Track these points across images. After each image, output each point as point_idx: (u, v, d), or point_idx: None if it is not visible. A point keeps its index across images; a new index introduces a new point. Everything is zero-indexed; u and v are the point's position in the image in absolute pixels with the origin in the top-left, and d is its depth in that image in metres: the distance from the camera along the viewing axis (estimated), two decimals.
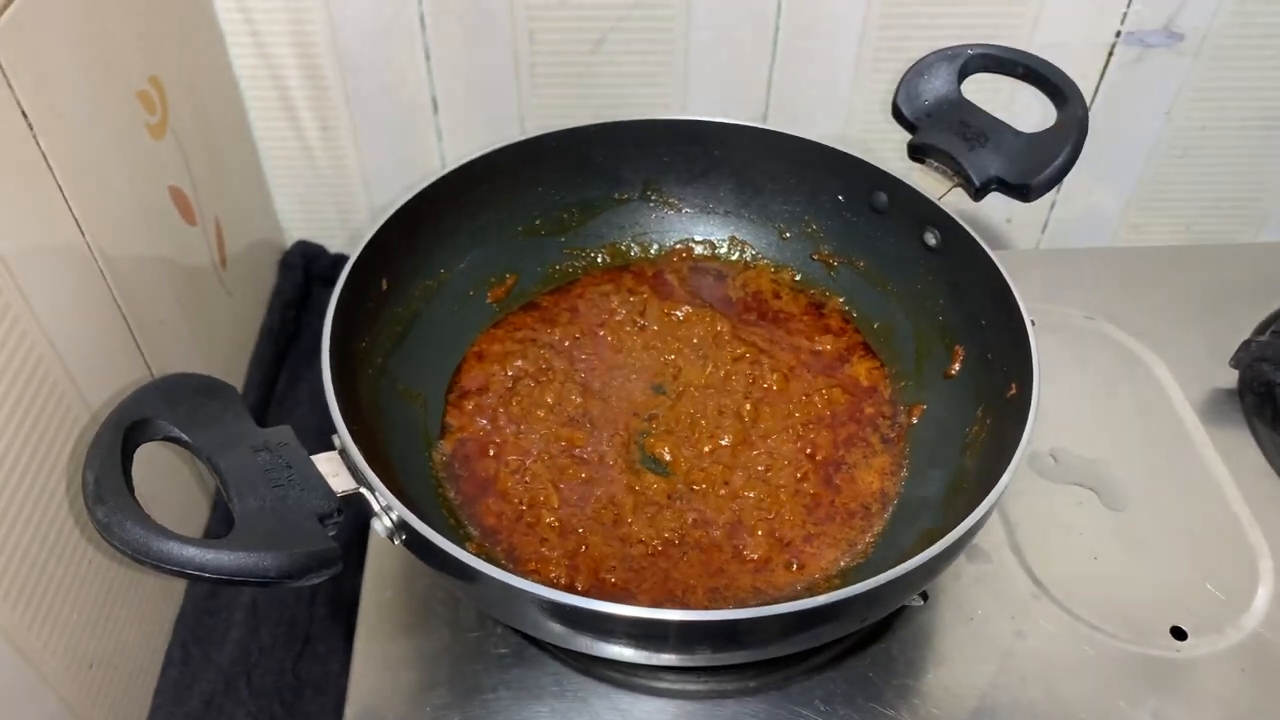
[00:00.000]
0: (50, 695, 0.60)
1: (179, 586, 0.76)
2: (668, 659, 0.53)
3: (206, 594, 0.77)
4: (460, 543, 0.50)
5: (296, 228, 1.01)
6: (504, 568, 0.53)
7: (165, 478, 0.72)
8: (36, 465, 0.58)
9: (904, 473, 0.65)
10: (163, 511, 0.71)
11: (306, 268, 1.00)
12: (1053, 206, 1.01)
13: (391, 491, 0.49)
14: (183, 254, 0.77)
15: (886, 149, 0.88)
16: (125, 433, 0.45)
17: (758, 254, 0.78)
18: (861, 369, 0.71)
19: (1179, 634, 0.61)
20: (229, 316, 0.88)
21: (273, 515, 0.45)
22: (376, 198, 0.98)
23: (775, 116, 0.93)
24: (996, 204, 1.00)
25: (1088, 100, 0.91)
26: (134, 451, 0.46)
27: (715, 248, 0.78)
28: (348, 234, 1.01)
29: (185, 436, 0.47)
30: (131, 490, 0.43)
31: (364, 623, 0.62)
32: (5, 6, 0.55)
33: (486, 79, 0.89)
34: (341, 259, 0.92)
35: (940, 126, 0.66)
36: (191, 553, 0.41)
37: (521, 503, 0.63)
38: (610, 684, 0.59)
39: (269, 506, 0.45)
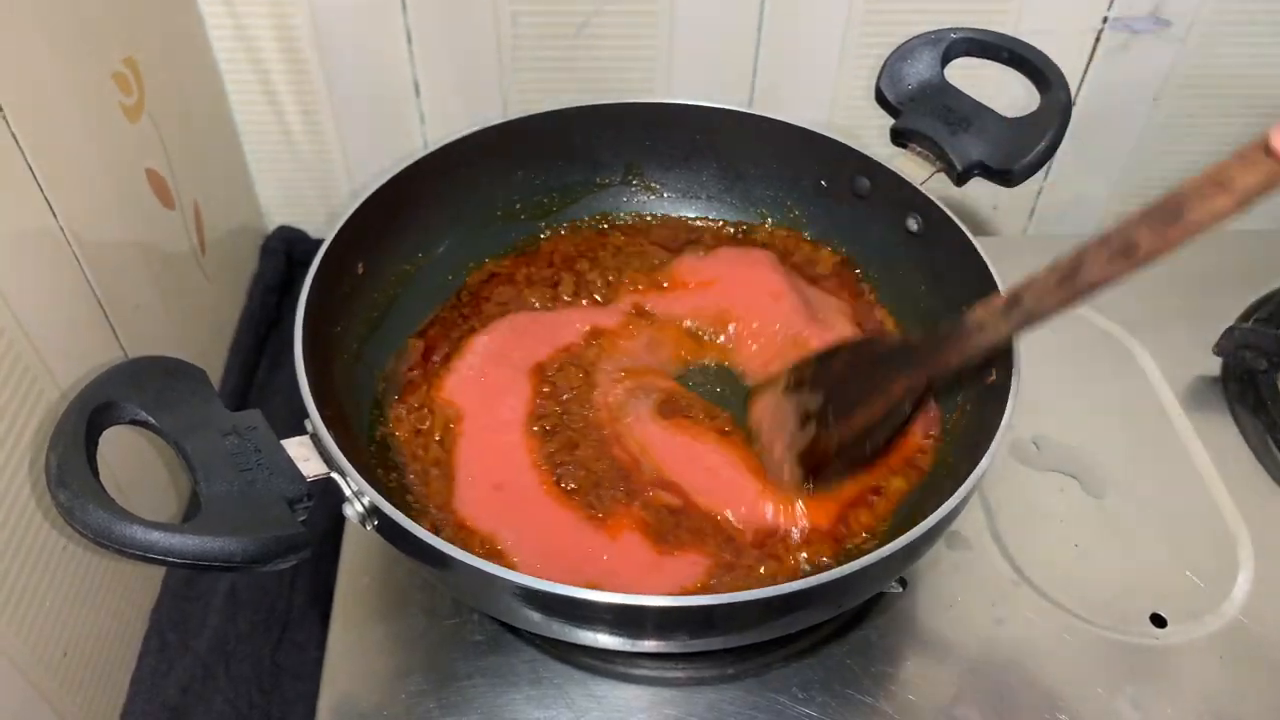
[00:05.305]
0: (22, 682, 0.59)
1: (156, 573, 0.76)
2: (644, 645, 0.53)
3: (184, 580, 0.76)
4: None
5: (278, 212, 1.00)
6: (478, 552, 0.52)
7: (140, 465, 0.72)
8: (7, 450, 0.57)
9: None
10: (139, 500, 0.71)
11: (288, 253, 0.99)
12: (1039, 193, 1.00)
13: (364, 476, 0.49)
14: (160, 238, 0.77)
15: (872, 134, 0.88)
16: (90, 416, 0.44)
17: None
18: None
19: (1159, 621, 0.61)
20: (209, 302, 0.87)
21: (240, 499, 0.44)
22: (359, 182, 0.97)
23: (761, 101, 0.92)
24: (983, 191, 0.99)
25: (1075, 87, 0.90)
26: (99, 435, 0.45)
27: None
28: (330, 219, 1.00)
29: (152, 420, 0.46)
30: (96, 474, 0.43)
31: (340, 609, 0.61)
32: None
33: (469, 62, 0.88)
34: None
35: (923, 111, 0.65)
36: (155, 536, 0.41)
37: None
38: (587, 671, 0.58)
39: (236, 490, 0.44)
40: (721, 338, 0.69)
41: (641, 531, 0.58)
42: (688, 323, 0.70)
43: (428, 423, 0.63)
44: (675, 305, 0.71)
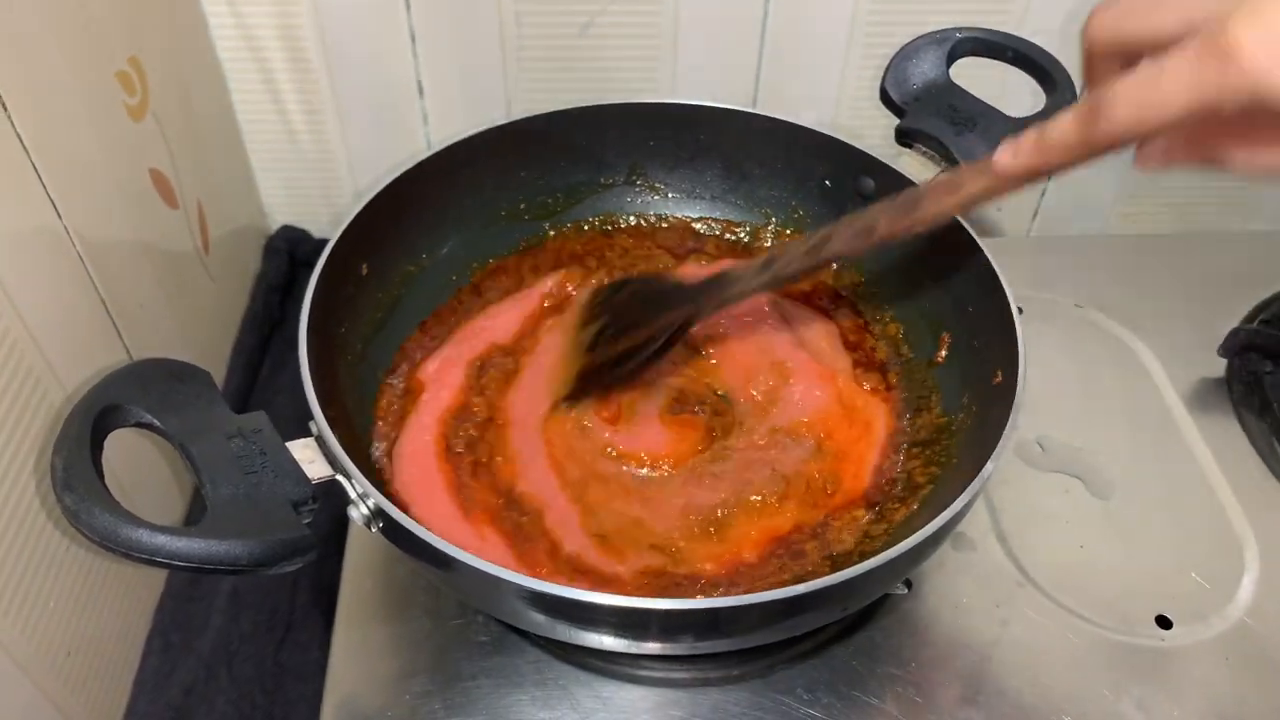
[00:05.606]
0: (25, 682, 0.59)
1: (159, 574, 0.76)
2: (649, 647, 0.53)
3: (187, 581, 0.76)
4: None
5: (281, 212, 1.00)
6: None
7: (144, 465, 0.72)
8: (12, 452, 0.57)
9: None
10: (141, 500, 0.71)
11: (291, 252, 0.99)
12: (1043, 194, 1.00)
13: (368, 478, 0.49)
14: (164, 238, 0.76)
15: (877, 135, 0.87)
16: (95, 419, 0.44)
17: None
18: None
19: (1164, 623, 0.61)
20: (212, 302, 0.87)
21: (246, 502, 0.44)
22: (362, 182, 0.97)
23: (765, 101, 0.92)
24: None
25: (1079, 87, 0.90)
26: (104, 438, 0.45)
27: None
28: (333, 218, 1.00)
29: (157, 422, 0.46)
30: (101, 477, 0.43)
31: (344, 610, 0.61)
32: None
33: (473, 62, 0.88)
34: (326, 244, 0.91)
35: (928, 111, 0.65)
36: (161, 540, 0.40)
37: None
38: (592, 672, 0.58)
39: (242, 494, 0.44)
40: (709, 354, 0.69)
41: None
42: None
43: None
44: None
